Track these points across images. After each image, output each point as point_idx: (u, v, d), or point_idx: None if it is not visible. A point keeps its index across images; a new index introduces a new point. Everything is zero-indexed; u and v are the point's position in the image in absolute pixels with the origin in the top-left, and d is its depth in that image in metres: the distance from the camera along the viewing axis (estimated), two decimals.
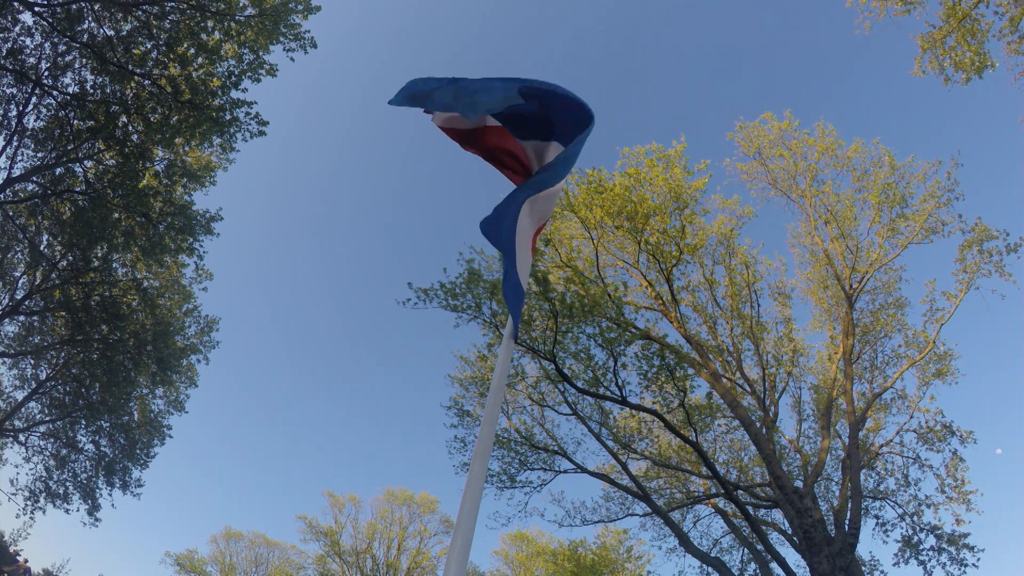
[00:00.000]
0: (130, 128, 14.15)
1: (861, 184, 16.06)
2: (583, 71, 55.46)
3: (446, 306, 12.52)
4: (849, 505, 12.76)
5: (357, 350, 62.96)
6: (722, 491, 14.21)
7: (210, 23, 13.26)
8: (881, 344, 16.68)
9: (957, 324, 52.50)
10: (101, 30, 13.22)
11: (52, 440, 18.08)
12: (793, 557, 15.24)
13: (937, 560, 14.40)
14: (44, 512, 17.79)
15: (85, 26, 13.12)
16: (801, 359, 17.22)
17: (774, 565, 13.15)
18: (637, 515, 17.02)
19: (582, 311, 12.49)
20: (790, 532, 14.53)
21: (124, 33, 13.33)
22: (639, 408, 13.06)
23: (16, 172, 14.21)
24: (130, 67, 13.31)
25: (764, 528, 15.50)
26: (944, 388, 25.19)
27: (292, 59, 13.93)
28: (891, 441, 15.92)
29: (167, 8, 13.07)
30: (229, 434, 58.82)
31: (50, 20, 12.78)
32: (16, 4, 12.51)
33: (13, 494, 17.56)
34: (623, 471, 14.95)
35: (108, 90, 13.63)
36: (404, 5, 57.36)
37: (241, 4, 13.27)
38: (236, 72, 13.78)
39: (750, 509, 15.46)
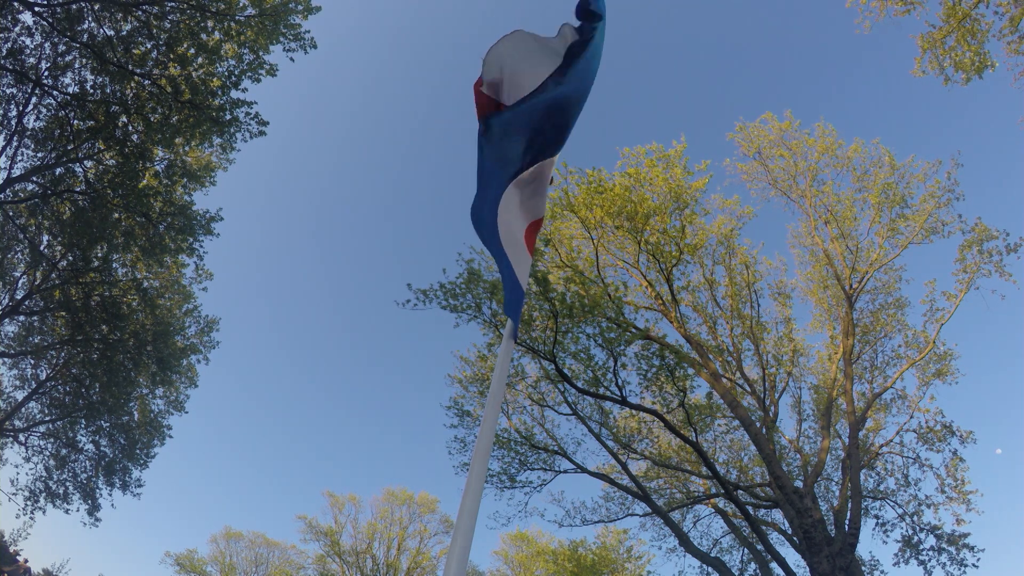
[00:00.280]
0: (130, 128, 14.15)
1: (861, 184, 16.07)
2: None
3: (446, 306, 12.52)
4: (849, 505, 12.76)
5: (357, 350, 63.00)
6: (722, 491, 14.21)
7: (210, 23, 13.26)
8: (881, 344, 16.68)
9: (957, 324, 52.48)
10: (101, 30, 13.22)
11: (52, 440, 18.08)
12: (793, 557, 15.26)
13: (937, 560, 14.40)
14: (44, 512, 17.80)
15: (85, 26, 13.12)
16: (801, 359, 17.24)
17: (774, 565, 13.15)
18: (637, 515, 17.03)
19: (582, 311, 12.49)
20: (790, 532, 14.53)
21: (124, 33, 13.33)
22: (639, 408, 13.05)
23: (16, 172, 14.22)
24: (130, 67, 13.31)
25: (764, 528, 15.50)
26: (944, 388, 25.19)
27: (292, 59, 13.94)
28: (891, 441, 15.93)
29: (167, 8, 13.07)
30: (229, 434, 58.88)
31: (50, 20, 12.78)
32: (16, 4, 12.51)
33: (13, 494, 17.57)
34: (623, 471, 14.95)
35: (108, 90, 13.63)
36: (404, 5, 57.39)
37: (241, 4, 13.27)
38: (236, 72, 13.78)
39: (750, 509, 15.46)
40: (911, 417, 15.90)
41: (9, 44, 12.83)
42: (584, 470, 15.20)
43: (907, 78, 12.12)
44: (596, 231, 14.36)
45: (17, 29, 12.88)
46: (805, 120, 22.14)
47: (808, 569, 12.06)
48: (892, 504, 15.70)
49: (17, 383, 18.05)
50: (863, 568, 14.41)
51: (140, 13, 13.07)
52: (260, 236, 65.35)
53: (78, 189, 14.64)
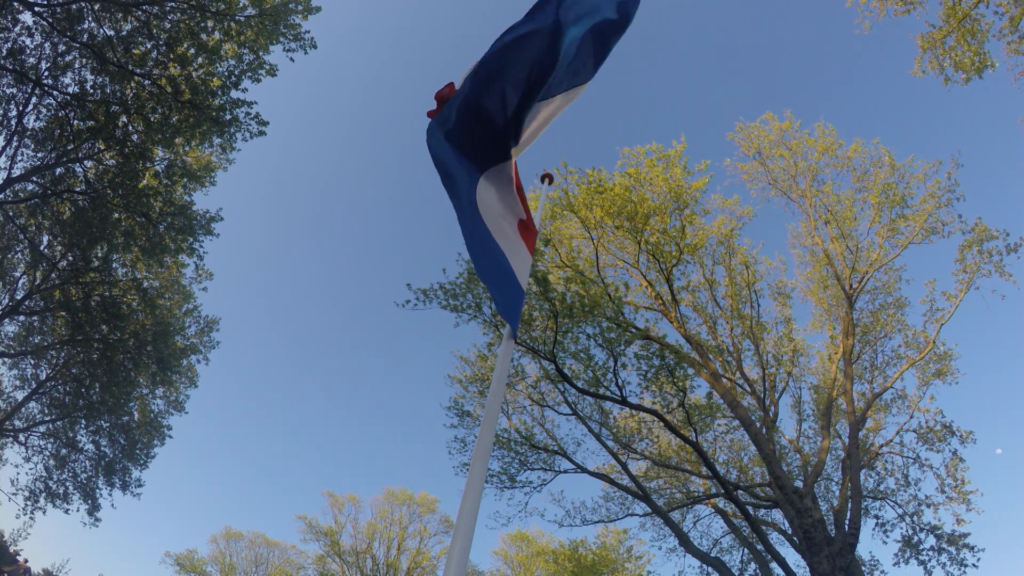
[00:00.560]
0: (130, 128, 14.14)
1: (861, 184, 16.06)
2: None
3: (446, 306, 12.51)
4: (849, 505, 12.75)
5: (357, 350, 63.02)
6: (722, 491, 14.21)
7: (210, 23, 13.27)
8: (881, 344, 16.68)
9: (957, 324, 52.49)
10: (101, 30, 13.22)
11: (52, 440, 18.08)
12: (793, 557, 15.25)
13: (937, 560, 14.40)
14: (44, 512, 17.80)
15: (85, 26, 13.12)
16: (801, 359, 17.23)
17: (774, 565, 13.15)
18: (637, 515, 17.02)
19: (582, 311, 12.48)
20: (790, 532, 14.53)
21: (124, 33, 13.33)
22: (639, 408, 13.05)
23: (16, 172, 14.22)
24: (130, 67, 13.31)
25: (764, 528, 15.50)
26: (944, 388, 25.18)
27: (292, 59, 13.95)
28: (891, 441, 15.92)
29: (167, 8, 13.07)
30: (229, 434, 58.88)
31: (50, 20, 12.78)
32: (16, 4, 12.51)
33: (13, 494, 17.57)
34: (623, 471, 14.94)
35: (108, 90, 13.63)
36: (404, 5, 57.40)
37: (241, 4, 13.27)
38: (236, 72, 13.78)
39: (750, 509, 15.45)
40: (911, 417, 15.90)
41: (9, 44, 12.83)
42: (584, 470, 15.19)
43: (907, 78, 12.13)
44: (596, 231, 14.35)
45: (17, 29, 12.88)
46: (805, 120, 22.15)
47: (808, 569, 12.06)
48: (892, 504, 15.70)
49: (17, 383, 18.07)
50: (863, 568, 14.41)
51: (140, 13, 13.07)
52: (260, 236, 65.39)
53: (78, 189, 14.64)
